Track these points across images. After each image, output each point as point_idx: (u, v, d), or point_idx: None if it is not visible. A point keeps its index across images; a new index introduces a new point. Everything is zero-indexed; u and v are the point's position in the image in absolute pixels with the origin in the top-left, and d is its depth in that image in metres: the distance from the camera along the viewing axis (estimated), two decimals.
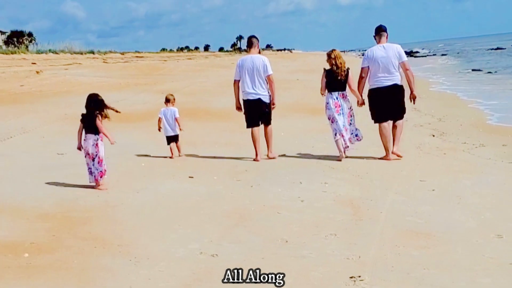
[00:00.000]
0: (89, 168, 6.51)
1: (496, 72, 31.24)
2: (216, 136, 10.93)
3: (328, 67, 8.50)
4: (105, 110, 6.66)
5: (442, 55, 72.54)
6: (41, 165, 7.69)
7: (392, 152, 8.35)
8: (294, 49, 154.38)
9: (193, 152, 9.11)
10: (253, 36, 8.70)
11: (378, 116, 8.46)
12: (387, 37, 8.48)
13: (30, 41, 64.60)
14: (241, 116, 13.49)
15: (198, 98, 18.04)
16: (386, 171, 7.69)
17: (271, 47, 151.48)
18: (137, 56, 57.63)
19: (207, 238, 4.71)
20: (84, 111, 6.66)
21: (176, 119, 8.76)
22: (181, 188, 6.44)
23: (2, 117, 12.22)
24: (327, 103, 8.47)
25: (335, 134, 8.44)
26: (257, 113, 8.45)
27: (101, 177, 6.47)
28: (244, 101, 8.52)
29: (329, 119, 8.55)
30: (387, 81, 8.28)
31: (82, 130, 6.64)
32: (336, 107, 8.41)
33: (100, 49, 54.50)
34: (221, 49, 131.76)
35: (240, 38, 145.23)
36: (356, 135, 8.61)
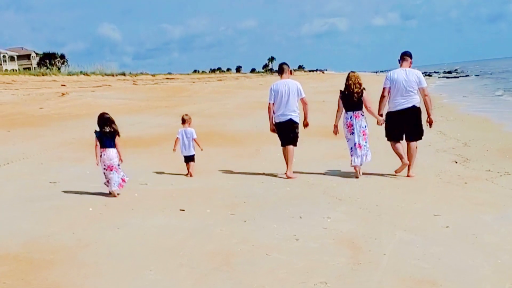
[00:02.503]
0: (107, 180, 7.33)
1: None
2: (224, 162, 10.42)
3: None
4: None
5: (475, 75, 71.07)
6: (28, 196, 7.27)
7: (407, 175, 8.65)
8: (326, 70, 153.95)
9: (195, 180, 8.64)
10: (284, 63, 9.28)
11: (391, 136, 8.82)
12: (410, 63, 8.85)
13: (63, 63, 65.92)
14: (254, 141, 13.21)
15: (216, 121, 17.64)
16: (398, 203, 7.03)
17: (303, 68, 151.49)
18: (167, 78, 57.94)
19: (178, 287, 4.16)
20: (97, 129, 7.50)
21: (194, 140, 9.18)
22: (167, 224, 5.90)
23: (9, 141, 11.99)
24: (343, 123, 8.88)
25: (350, 151, 8.84)
26: (288, 132, 8.95)
27: (124, 182, 7.42)
28: (276, 123, 9.01)
29: (346, 137, 8.95)
30: (406, 103, 8.58)
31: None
32: (348, 126, 8.77)
33: (132, 71, 54.96)
34: (252, 70, 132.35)
35: (271, 59, 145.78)
36: (366, 155, 8.81)
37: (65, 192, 7.37)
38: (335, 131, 9.00)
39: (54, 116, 18.14)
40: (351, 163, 8.79)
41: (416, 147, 8.74)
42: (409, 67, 8.80)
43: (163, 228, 5.74)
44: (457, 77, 71.73)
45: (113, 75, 48.98)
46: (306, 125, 9.10)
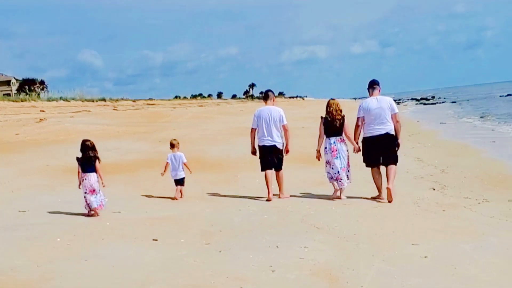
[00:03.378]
0: (87, 203, 7.69)
1: (505, 119, 30.44)
2: (202, 189, 10.23)
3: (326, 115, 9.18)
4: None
5: (452, 102, 72.03)
6: None
7: (387, 188, 8.67)
8: (306, 96, 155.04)
9: (171, 208, 8.44)
10: (269, 90, 9.66)
11: (370, 161, 9.03)
12: (379, 90, 9.13)
13: (42, 89, 65.35)
14: (232, 168, 13.07)
15: (195, 147, 17.42)
16: (376, 232, 6.90)
17: (283, 94, 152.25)
18: (148, 104, 57.48)
19: None
20: (79, 155, 7.90)
21: (184, 164, 9.41)
22: (137, 255, 5.68)
23: None
24: (325, 148, 9.08)
25: (330, 178, 9.04)
26: (271, 158, 9.16)
27: (101, 206, 7.83)
28: (260, 146, 9.28)
29: (327, 162, 9.06)
30: (380, 130, 8.83)
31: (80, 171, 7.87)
32: (333, 151, 8.96)
33: (113, 97, 54.28)
34: (233, 96, 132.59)
35: (252, 85, 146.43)
36: (347, 177, 9.06)
37: (33, 221, 7.13)
38: (318, 157, 9.26)
39: (30, 142, 17.78)
40: (334, 186, 8.96)
41: (395, 168, 8.87)
42: (378, 94, 9.07)
43: (133, 260, 5.53)
44: (434, 104, 72.63)
45: (93, 101, 48.35)
46: (287, 151, 9.30)
